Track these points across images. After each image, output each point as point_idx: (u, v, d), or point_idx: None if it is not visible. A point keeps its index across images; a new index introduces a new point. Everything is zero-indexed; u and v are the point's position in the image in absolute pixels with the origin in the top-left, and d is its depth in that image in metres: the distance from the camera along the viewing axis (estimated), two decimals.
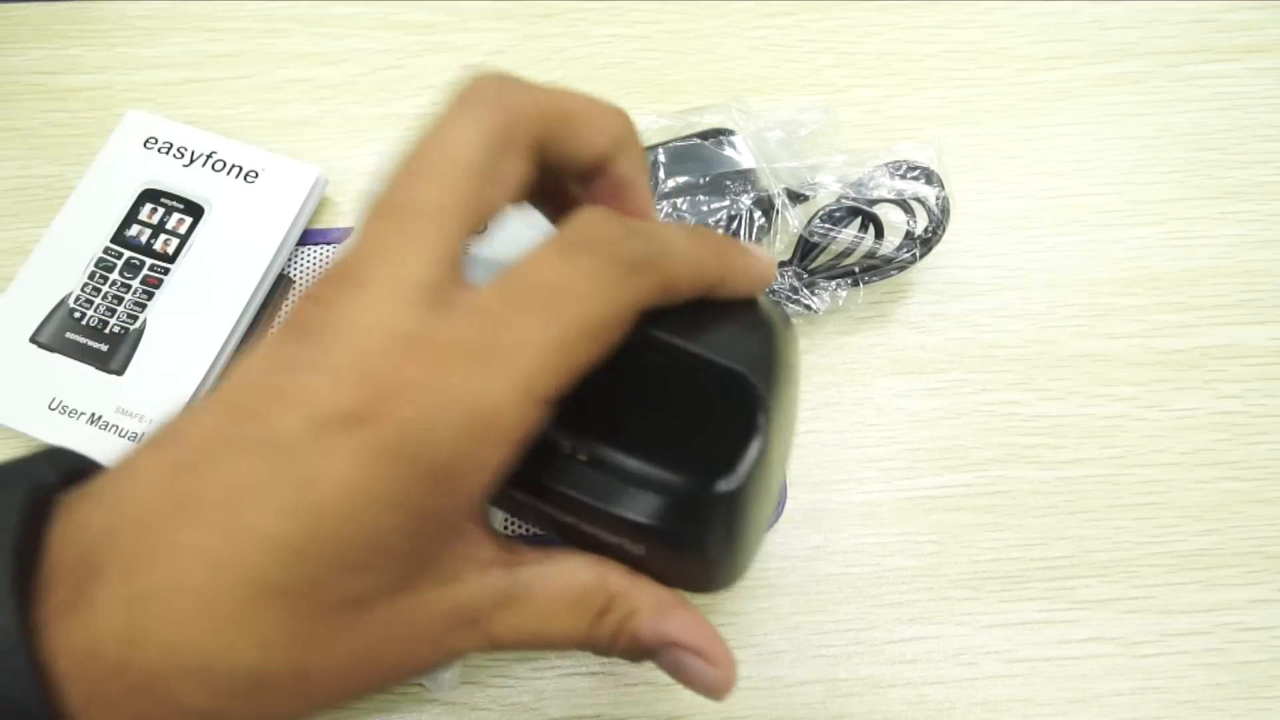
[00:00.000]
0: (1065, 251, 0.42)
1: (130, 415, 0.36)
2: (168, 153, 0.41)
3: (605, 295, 0.20)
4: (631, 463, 0.24)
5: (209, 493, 0.18)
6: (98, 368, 0.37)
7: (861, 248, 0.38)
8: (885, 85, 0.46)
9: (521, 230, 0.36)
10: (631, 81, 0.46)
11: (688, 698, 0.35)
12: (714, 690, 0.24)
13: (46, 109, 0.46)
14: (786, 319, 0.27)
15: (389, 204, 0.20)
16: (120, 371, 0.37)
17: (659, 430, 0.25)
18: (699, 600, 0.35)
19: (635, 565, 0.24)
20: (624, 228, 0.21)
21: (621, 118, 0.23)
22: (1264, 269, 0.42)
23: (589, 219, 0.21)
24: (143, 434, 0.36)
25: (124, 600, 0.18)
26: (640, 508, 0.24)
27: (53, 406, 0.36)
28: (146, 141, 0.42)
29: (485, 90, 0.21)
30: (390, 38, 0.47)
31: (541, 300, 0.20)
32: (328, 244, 0.42)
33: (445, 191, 0.20)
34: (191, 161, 0.41)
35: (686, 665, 0.24)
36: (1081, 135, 0.45)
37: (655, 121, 0.41)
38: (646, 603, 0.24)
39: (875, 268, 0.38)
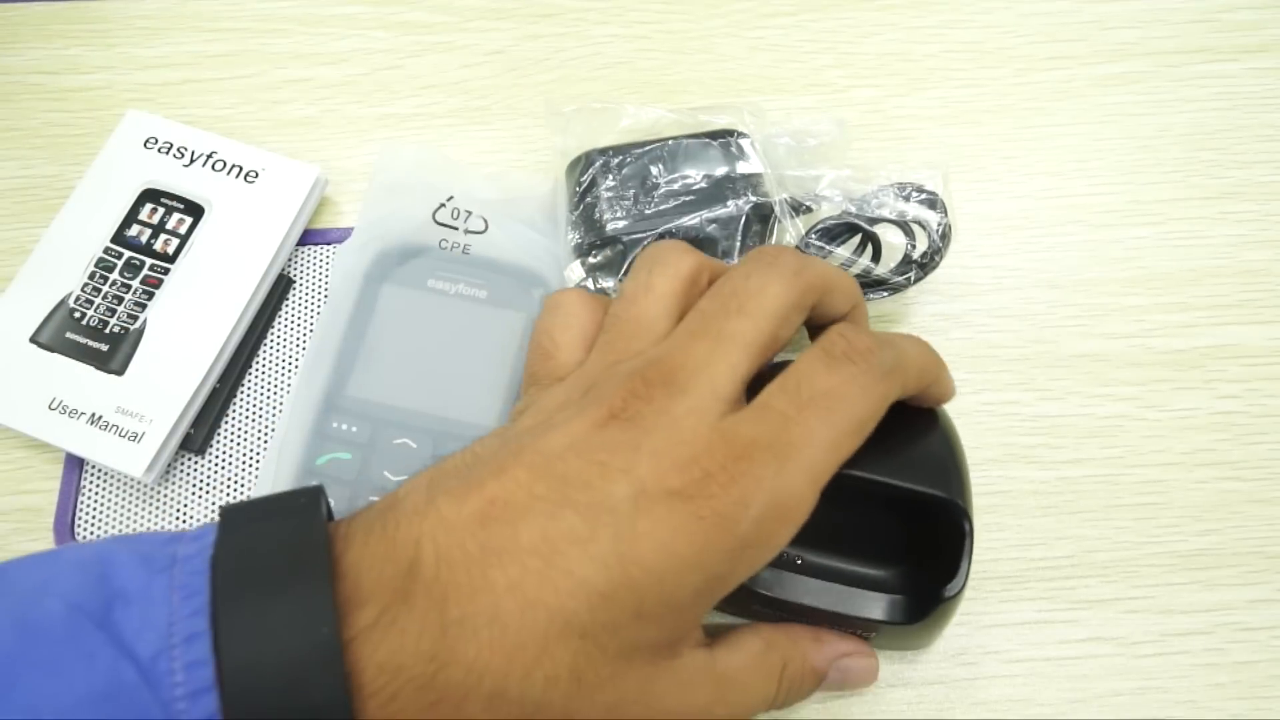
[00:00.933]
0: (1065, 251, 0.42)
1: (130, 415, 0.36)
2: (168, 153, 0.41)
3: (869, 397, 0.26)
4: (866, 572, 0.33)
5: (524, 541, 0.22)
6: (98, 368, 0.37)
7: (856, 267, 0.38)
8: (885, 85, 0.46)
9: (517, 230, 0.37)
10: (631, 81, 0.46)
11: None
12: (874, 675, 0.31)
13: (46, 109, 0.46)
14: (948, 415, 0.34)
15: (711, 329, 0.26)
16: (120, 371, 0.37)
17: (885, 542, 0.33)
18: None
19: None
20: (876, 340, 0.26)
21: (856, 287, 0.31)
22: (1264, 269, 0.42)
23: (847, 334, 0.26)
24: (142, 434, 0.36)
25: (437, 624, 0.21)
26: (883, 611, 0.32)
27: (53, 406, 0.36)
28: (146, 141, 0.42)
29: (788, 261, 0.28)
30: (390, 38, 0.47)
31: (820, 404, 0.25)
32: (327, 244, 0.42)
33: (755, 329, 0.26)
34: (191, 161, 0.41)
35: (852, 669, 0.30)
36: (1081, 135, 0.45)
37: (665, 116, 0.41)
38: (805, 641, 0.30)
39: (870, 286, 0.38)
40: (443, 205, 0.39)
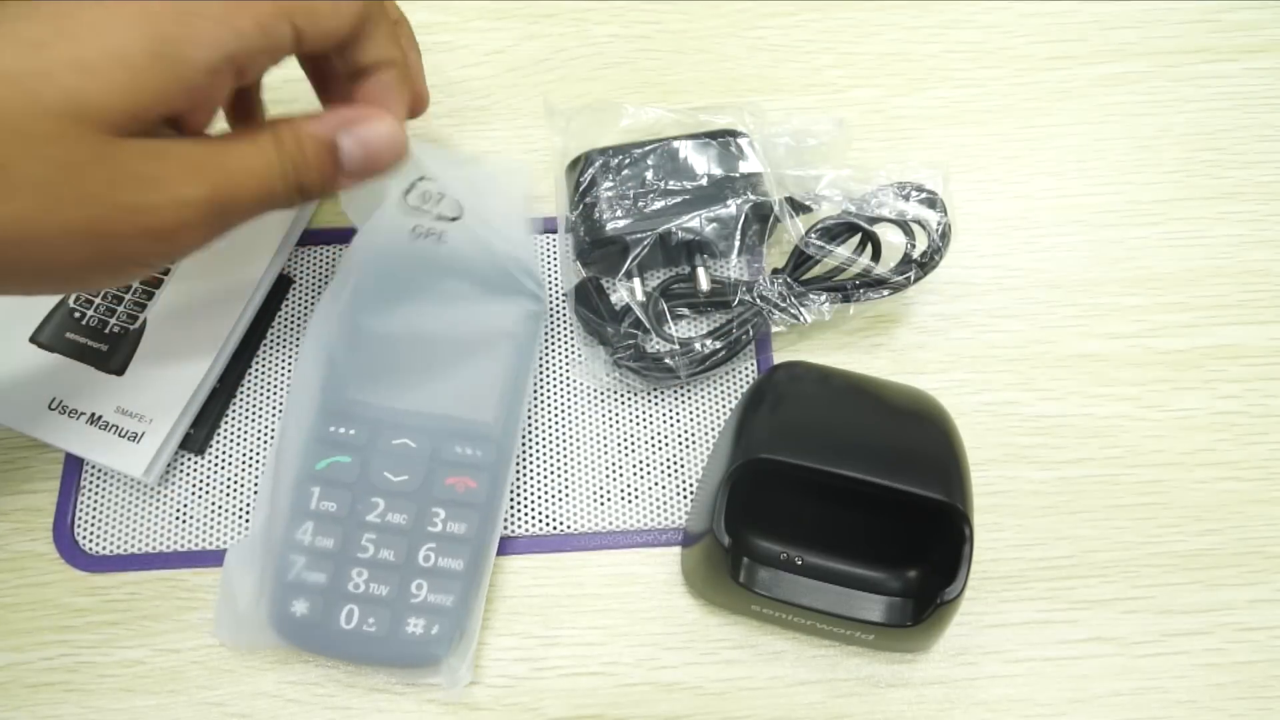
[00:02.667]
0: (1065, 251, 0.42)
1: (130, 415, 0.36)
2: None
3: None
4: (866, 574, 0.34)
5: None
6: (98, 368, 0.37)
7: (855, 267, 0.38)
8: (885, 85, 0.46)
9: (494, 213, 0.38)
10: (631, 81, 0.46)
11: (688, 698, 0.35)
12: (399, 143, 0.30)
13: None
14: (949, 418, 0.35)
15: None
16: (120, 371, 0.37)
17: (885, 544, 0.34)
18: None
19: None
20: None
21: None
22: (1264, 269, 0.42)
23: None
24: (142, 434, 0.36)
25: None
26: (882, 613, 0.33)
27: (53, 406, 0.36)
28: None
29: None
30: None
31: None
32: (327, 244, 0.42)
33: None
34: None
35: (369, 137, 0.30)
36: (1081, 135, 0.45)
37: (665, 116, 0.41)
38: (303, 117, 0.29)
39: (869, 285, 0.38)
40: (414, 186, 0.36)
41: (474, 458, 0.35)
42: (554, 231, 0.43)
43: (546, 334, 0.41)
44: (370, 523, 0.34)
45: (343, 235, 0.42)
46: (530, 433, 0.39)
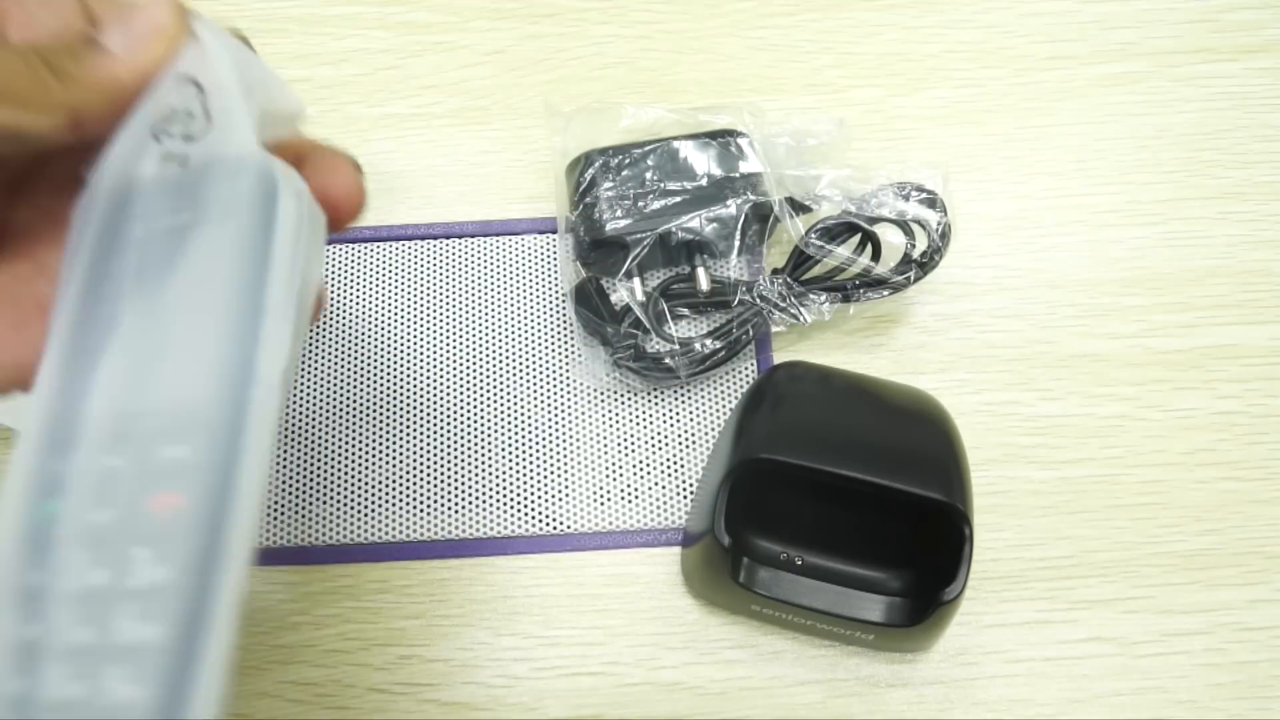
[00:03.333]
0: (1065, 251, 0.42)
1: None
2: None
3: None
4: (866, 574, 0.34)
5: None
6: None
7: (855, 267, 0.38)
8: (885, 85, 0.46)
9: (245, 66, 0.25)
10: (631, 81, 0.46)
11: (688, 698, 0.35)
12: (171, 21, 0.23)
13: None
14: (949, 418, 0.35)
15: None
16: None
17: (885, 545, 0.34)
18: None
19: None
20: None
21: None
22: (1264, 269, 0.42)
23: None
24: None
25: None
26: (882, 613, 0.33)
27: None
28: None
29: None
30: (390, 38, 0.47)
31: None
32: (327, 243, 0.42)
33: None
34: None
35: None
36: (1081, 135, 0.45)
37: (665, 116, 0.41)
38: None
39: (869, 285, 0.38)
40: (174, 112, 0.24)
41: (181, 460, 0.22)
42: (554, 231, 0.43)
43: (548, 331, 0.41)
44: (70, 592, 0.22)
45: (342, 235, 0.42)
46: (530, 432, 0.39)
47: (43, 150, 0.23)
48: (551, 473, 0.38)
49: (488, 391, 0.40)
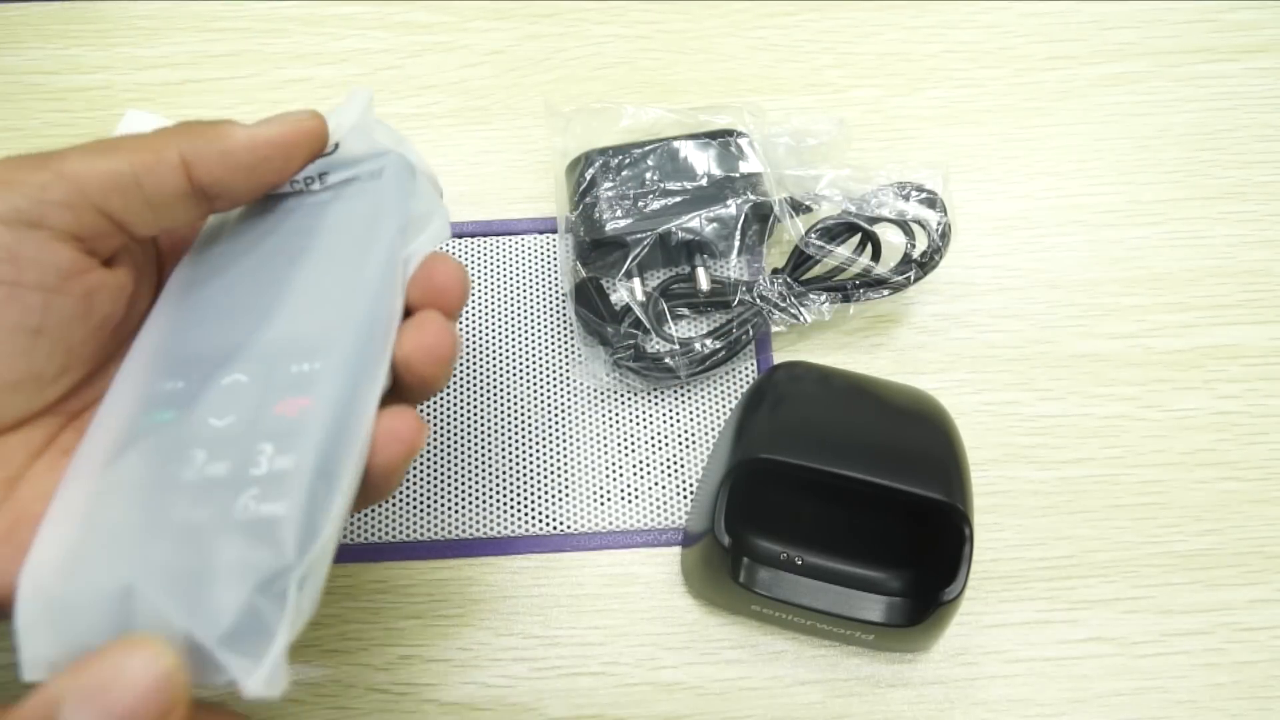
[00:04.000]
0: (1065, 251, 0.42)
1: None
2: None
3: None
4: (866, 574, 0.34)
5: None
6: None
7: (855, 267, 0.39)
8: (885, 85, 0.46)
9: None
10: (631, 81, 0.46)
11: (688, 698, 0.35)
12: None
13: (46, 109, 0.46)
14: (949, 418, 0.35)
15: None
16: None
17: (885, 544, 0.34)
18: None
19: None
20: None
21: None
22: (1264, 269, 0.42)
23: None
24: None
25: None
26: (882, 613, 0.33)
27: None
28: None
29: None
30: (390, 38, 0.47)
31: None
32: None
33: None
34: None
35: None
36: (1081, 135, 0.45)
37: (665, 116, 0.41)
38: None
39: (869, 285, 0.38)
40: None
41: (309, 372, 0.25)
42: (554, 231, 0.43)
43: (548, 331, 0.41)
44: (186, 483, 0.24)
45: None
46: (530, 432, 0.39)
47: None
48: (551, 473, 0.38)
49: (488, 391, 0.40)
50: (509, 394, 0.40)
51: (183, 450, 0.25)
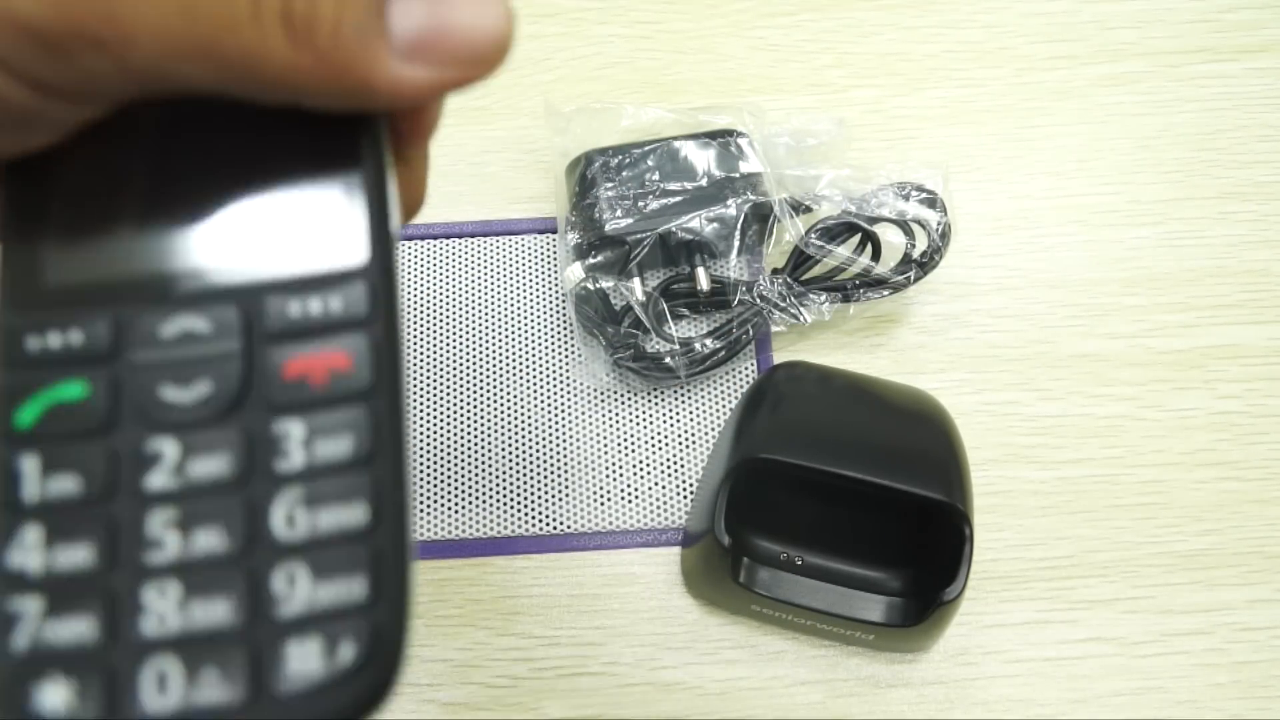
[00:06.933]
0: (1065, 251, 0.42)
1: None
2: None
3: None
4: (866, 574, 0.34)
5: None
6: None
7: (855, 267, 0.38)
8: (885, 85, 0.46)
9: None
10: (631, 81, 0.46)
11: (687, 698, 0.35)
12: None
13: None
14: (949, 418, 0.35)
15: None
16: None
17: (885, 544, 0.34)
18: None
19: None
20: None
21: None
22: (1264, 269, 0.42)
23: None
24: None
25: None
26: (882, 613, 0.33)
27: None
28: None
29: None
30: None
31: None
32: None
33: None
34: None
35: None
36: (1081, 135, 0.45)
37: (665, 116, 0.41)
38: None
39: (869, 285, 0.38)
40: None
41: (333, 315, 0.17)
42: (554, 231, 0.43)
43: (548, 331, 0.41)
44: (156, 492, 0.16)
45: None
46: (530, 432, 0.39)
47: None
48: (551, 473, 0.38)
49: (488, 391, 0.40)
50: (509, 394, 0.40)
51: (134, 443, 0.16)
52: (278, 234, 0.17)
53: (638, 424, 0.39)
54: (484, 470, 0.39)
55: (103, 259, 0.17)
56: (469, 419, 0.39)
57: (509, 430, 0.39)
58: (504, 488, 0.38)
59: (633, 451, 0.39)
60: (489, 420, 0.39)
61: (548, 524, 0.38)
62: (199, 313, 0.16)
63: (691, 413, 0.39)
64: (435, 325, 0.41)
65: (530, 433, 0.39)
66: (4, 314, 0.16)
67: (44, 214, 0.17)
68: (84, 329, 0.16)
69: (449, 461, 0.39)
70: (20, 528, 0.15)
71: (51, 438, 0.16)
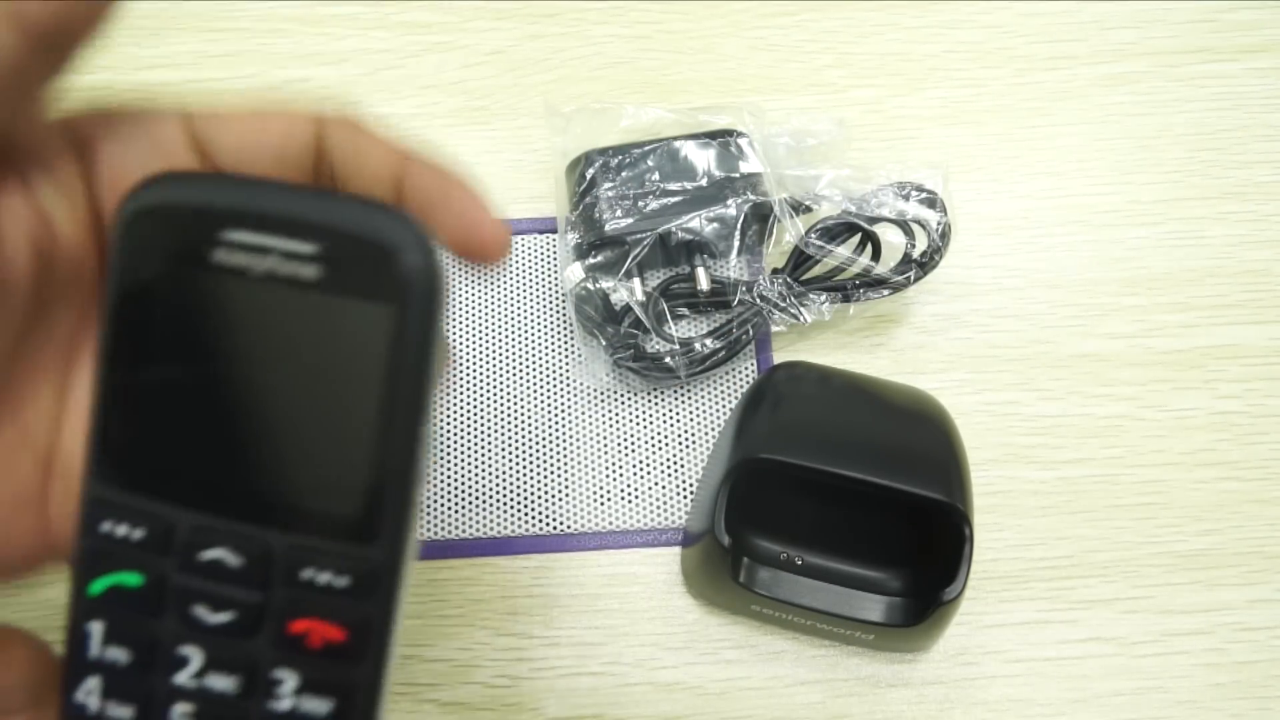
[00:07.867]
0: (1065, 251, 0.42)
1: None
2: None
3: None
4: (866, 574, 0.34)
5: None
6: None
7: (855, 267, 0.39)
8: (885, 85, 0.46)
9: None
10: (631, 81, 0.46)
11: (687, 698, 0.35)
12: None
13: None
14: (949, 418, 0.35)
15: None
16: None
17: (885, 544, 0.34)
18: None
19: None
20: None
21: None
22: (1264, 269, 0.42)
23: None
24: None
25: None
26: (882, 613, 0.33)
27: None
28: None
29: None
30: (390, 38, 0.47)
31: None
32: None
33: None
34: None
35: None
36: (1081, 135, 0.45)
37: (665, 116, 0.41)
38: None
39: (869, 285, 0.38)
40: None
41: (337, 584, 0.19)
42: (554, 231, 0.43)
43: (548, 331, 0.41)
44: (180, 687, 0.20)
45: None
46: (530, 432, 0.39)
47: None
48: (551, 473, 0.38)
49: (488, 391, 0.40)
50: (509, 394, 0.40)
51: (172, 643, 0.20)
52: (318, 486, 0.20)
53: (638, 424, 0.39)
54: (484, 470, 0.39)
55: (175, 454, 0.20)
56: (469, 419, 0.39)
57: (509, 430, 0.39)
58: (504, 488, 0.38)
59: (633, 451, 0.39)
60: (489, 420, 0.39)
61: (548, 524, 0.38)
62: (234, 551, 0.20)
63: (691, 413, 0.39)
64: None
65: (530, 433, 0.39)
66: (92, 481, 0.20)
67: (138, 390, 0.20)
68: (146, 528, 0.20)
69: (449, 461, 0.39)
70: (87, 677, 0.20)
71: (112, 610, 0.20)
